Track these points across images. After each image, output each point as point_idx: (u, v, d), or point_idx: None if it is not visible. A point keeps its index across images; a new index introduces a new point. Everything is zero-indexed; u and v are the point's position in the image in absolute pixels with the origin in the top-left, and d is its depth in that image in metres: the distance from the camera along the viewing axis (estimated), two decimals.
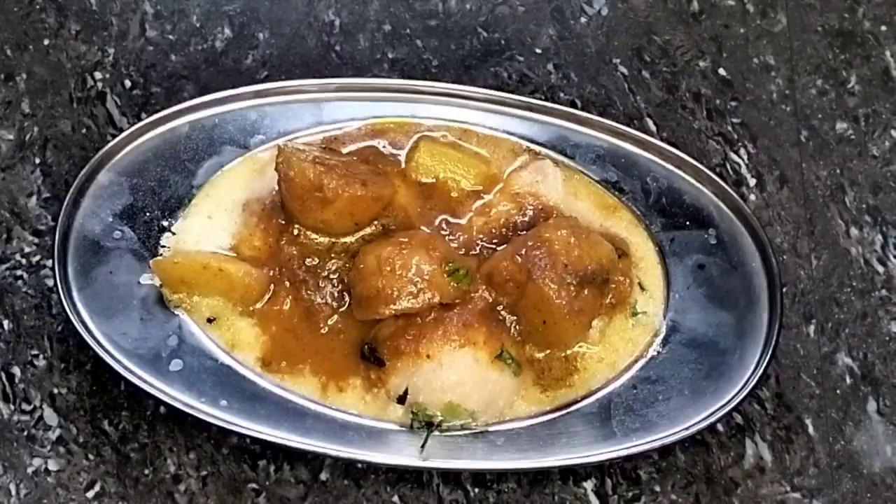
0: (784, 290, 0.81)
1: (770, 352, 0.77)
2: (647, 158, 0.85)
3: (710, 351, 0.79)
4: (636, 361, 0.79)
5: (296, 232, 0.80)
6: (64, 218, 0.79)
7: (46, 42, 0.91)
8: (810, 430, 0.80)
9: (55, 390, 0.78)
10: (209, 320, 0.78)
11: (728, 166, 0.89)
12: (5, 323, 0.80)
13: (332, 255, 0.80)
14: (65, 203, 0.79)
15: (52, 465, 0.76)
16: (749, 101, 0.92)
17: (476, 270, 0.77)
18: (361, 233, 0.80)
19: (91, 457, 0.76)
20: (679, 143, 0.88)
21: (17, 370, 0.78)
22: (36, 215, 0.84)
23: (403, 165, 0.83)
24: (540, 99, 0.88)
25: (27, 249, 0.82)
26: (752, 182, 0.88)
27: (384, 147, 0.84)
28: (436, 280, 0.75)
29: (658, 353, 0.79)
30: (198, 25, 0.92)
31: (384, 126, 0.85)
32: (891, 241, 0.87)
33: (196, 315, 0.78)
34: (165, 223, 0.81)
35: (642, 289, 0.81)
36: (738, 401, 0.76)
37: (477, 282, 0.76)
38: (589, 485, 0.77)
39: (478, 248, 0.80)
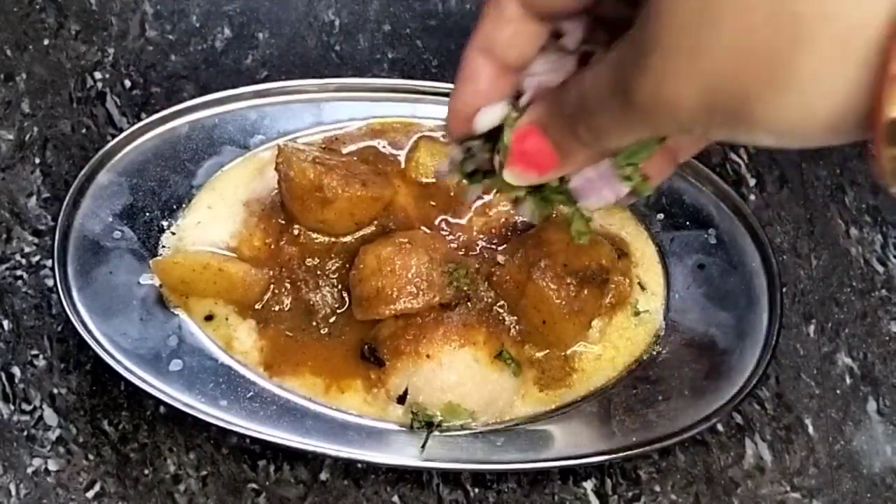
0: (784, 290, 0.81)
1: (770, 352, 0.77)
2: None
3: (710, 351, 0.79)
4: (636, 361, 0.79)
5: (296, 232, 0.80)
6: (64, 218, 0.79)
7: (46, 42, 0.91)
8: (810, 430, 0.80)
9: (55, 390, 0.78)
10: (208, 319, 0.78)
11: (728, 166, 0.89)
12: (5, 323, 0.80)
13: (332, 255, 0.80)
14: (65, 203, 0.79)
15: (52, 465, 0.76)
16: None
17: (476, 270, 0.77)
18: (361, 233, 0.80)
19: (91, 457, 0.76)
20: None
21: (17, 370, 0.78)
22: (36, 215, 0.84)
23: (403, 165, 0.83)
24: None
25: (27, 249, 0.82)
26: (752, 182, 0.88)
27: (384, 147, 0.84)
28: (436, 280, 0.75)
29: (658, 353, 0.79)
30: (198, 25, 0.92)
31: (384, 126, 0.85)
32: (891, 241, 0.87)
33: (196, 315, 0.78)
34: (165, 223, 0.81)
35: (642, 288, 0.81)
36: (738, 401, 0.76)
37: (477, 282, 0.77)
38: (589, 485, 0.77)
39: (478, 248, 0.80)
